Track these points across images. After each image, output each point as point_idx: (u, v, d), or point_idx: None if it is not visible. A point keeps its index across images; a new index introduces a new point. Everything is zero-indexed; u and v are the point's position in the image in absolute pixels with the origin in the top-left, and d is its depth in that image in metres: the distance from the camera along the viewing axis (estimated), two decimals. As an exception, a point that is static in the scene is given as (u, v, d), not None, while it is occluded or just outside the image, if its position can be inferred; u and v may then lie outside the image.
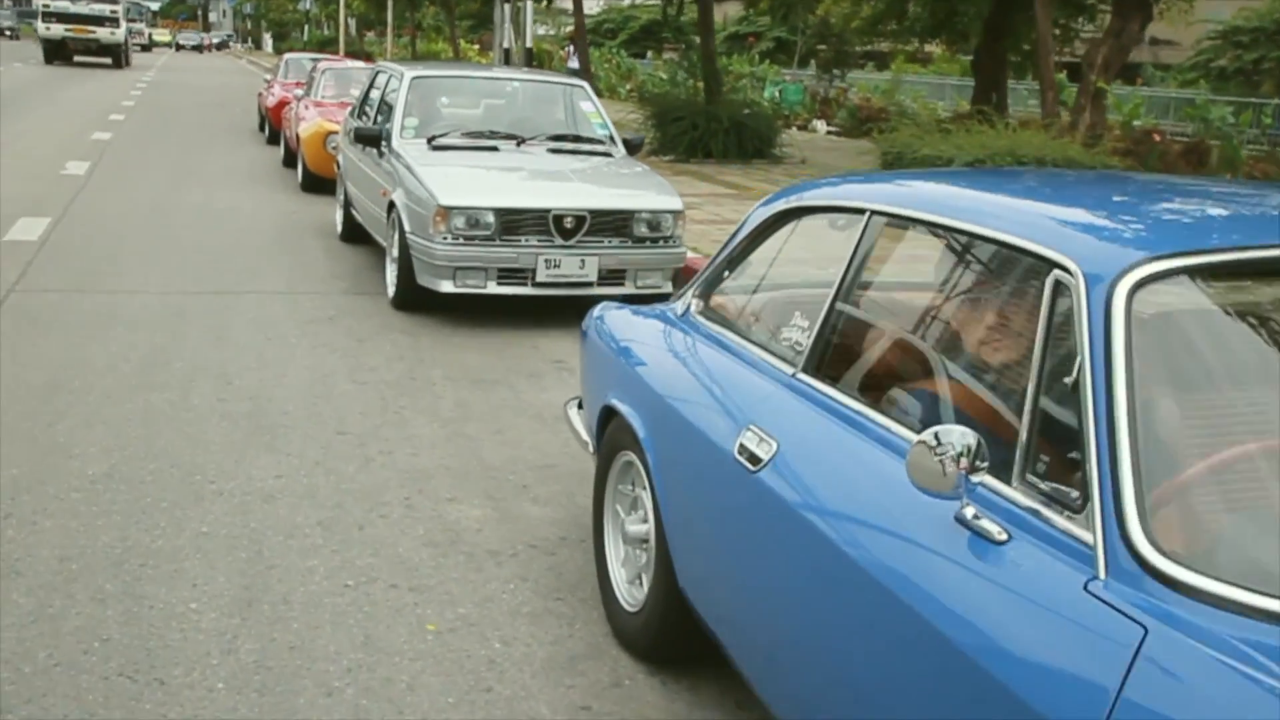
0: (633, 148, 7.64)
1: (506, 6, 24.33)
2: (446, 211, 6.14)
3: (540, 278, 6.28)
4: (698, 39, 55.82)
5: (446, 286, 6.24)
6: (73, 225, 8.73)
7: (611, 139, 7.59)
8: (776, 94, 24.23)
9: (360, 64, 14.61)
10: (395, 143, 7.07)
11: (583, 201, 6.35)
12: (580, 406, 3.60)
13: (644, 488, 2.82)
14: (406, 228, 6.43)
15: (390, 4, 34.04)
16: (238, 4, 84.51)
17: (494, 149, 7.07)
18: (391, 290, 6.73)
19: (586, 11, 38.71)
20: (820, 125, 22.13)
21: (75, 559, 3.29)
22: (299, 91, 13.86)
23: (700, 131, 14.38)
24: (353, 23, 47.30)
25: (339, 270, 7.72)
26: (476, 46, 44.32)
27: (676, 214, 6.55)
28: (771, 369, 2.33)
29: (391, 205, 6.74)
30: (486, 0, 31.72)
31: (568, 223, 6.27)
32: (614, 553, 3.05)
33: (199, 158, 13.96)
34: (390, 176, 6.94)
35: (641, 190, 6.75)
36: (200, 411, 4.67)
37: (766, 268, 2.70)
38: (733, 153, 14.45)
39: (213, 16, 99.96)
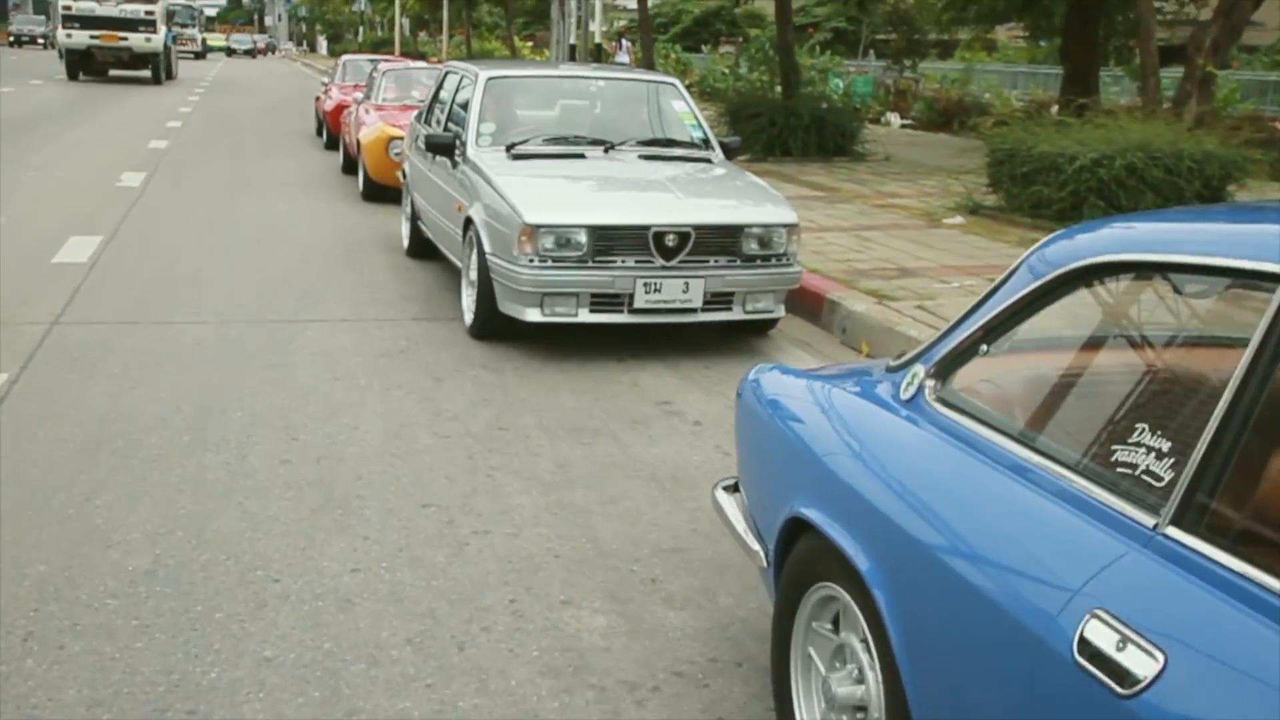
0: (731, 151, 6.87)
1: (571, 1, 23.66)
2: (533, 230, 5.42)
3: (639, 303, 5.54)
4: (753, 31, 54.92)
5: (533, 315, 5.52)
6: (124, 244, 8.14)
7: (707, 142, 6.83)
8: (840, 86, 23.30)
9: (423, 64, 13.97)
10: (470, 151, 6.37)
11: (686, 216, 5.59)
12: (734, 489, 2.85)
13: (861, 638, 2.07)
14: (486, 248, 5.72)
15: (446, 2, 33.49)
16: (292, 7, 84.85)
17: (580, 156, 6.33)
18: (469, 317, 6.03)
19: (634, 8, 38.09)
20: (894, 119, 21.17)
21: (107, 703, 2.60)
22: (358, 95, 13.25)
23: (779, 129, 13.55)
24: (406, 23, 46.92)
25: (409, 292, 7.04)
26: (530, 44, 43.74)
27: (791, 228, 5.78)
28: (1109, 513, 1.56)
29: (468, 222, 6.03)
30: (543, -4, 31.11)
31: (669, 241, 5.52)
32: (805, 714, 2.30)
33: (255, 166, 13.41)
34: (466, 189, 6.24)
35: (750, 201, 5.98)
36: (261, 478, 3.98)
37: (1057, 349, 1.92)
38: (812, 150, 13.61)
39: (268, 20, 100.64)
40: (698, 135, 6.84)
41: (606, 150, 6.45)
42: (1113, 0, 17.16)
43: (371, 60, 16.98)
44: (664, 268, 5.55)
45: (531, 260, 5.46)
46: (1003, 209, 9.40)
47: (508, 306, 5.63)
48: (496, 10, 45.20)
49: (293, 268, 7.61)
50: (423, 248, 7.87)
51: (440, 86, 7.79)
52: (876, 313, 6.12)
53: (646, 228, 5.51)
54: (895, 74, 23.76)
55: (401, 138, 10.34)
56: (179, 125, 17.96)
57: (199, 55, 54.17)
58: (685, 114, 6.89)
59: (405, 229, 8.30)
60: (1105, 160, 8.21)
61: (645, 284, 5.52)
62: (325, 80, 17.34)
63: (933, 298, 6.45)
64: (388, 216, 9.92)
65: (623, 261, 5.53)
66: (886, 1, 23.24)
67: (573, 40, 22.48)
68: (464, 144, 6.45)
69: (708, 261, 5.64)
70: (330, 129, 15.18)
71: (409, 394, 5.05)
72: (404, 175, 8.29)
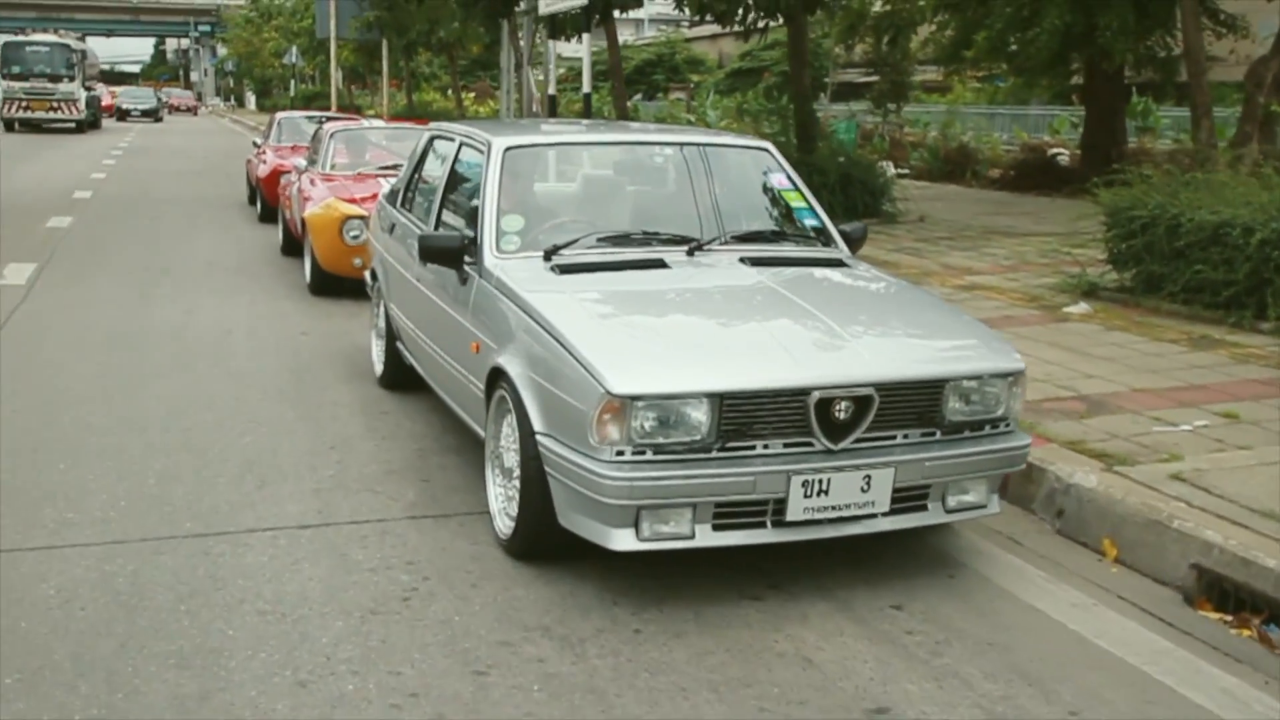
0: (855, 242, 4.81)
1: (523, 45, 21.66)
2: (624, 405, 3.29)
3: (794, 513, 3.41)
4: (694, 78, 53.70)
5: (623, 540, 3.37)
6: (-16, 384, 5.86)
7: (823, 231, 4.77)
8: (855, 135, 21.53)
9: (380, 123, 11.79)
10: (490, 260, 4.22)
11: (864, 368, 3.49)
12: None
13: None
14: (535, 424, 3.57)
15: (385, 53, 31.33)
16: (219, 61, 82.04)
17: (658, 264, 4.20)
18: (505, 525, 3.85)
19: (574, 55, 35.53)
20: (888, 168, 19.34)
21: None
22: (297, 160, 11.05)
23: (800, 189, 11.54)
24: (338, 75, 44.60)
25: (395, 459, 4.83)
26: (472, 95, 41.62)
27: (1013, 377, 3.70)
28: None
29: (497, 376, 3.88)
30: (489, 45, 29.10)
31: (841, 411, 3.42)
32: None
33: (177, 246, 11.09)
34: (487, 322, 4.10)
35: (947, 336, 3.90)
36: None
37: None
38: (839, 212, 11.61)
39: (194, 75, 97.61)
40: (810, 222, 4.77)
41: (692, 252, 4.35)
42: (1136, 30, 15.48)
43: (311, 118, 14.80)
44: (831, 453, 3.44)
45: (621, 452, 3.33)
46: (1131, 290, 7.45)
47: (577, 522, 3.48)
48: (435, 60, 43.16)
49: (222, 416, 5.36)
50: (402, 374, 5.71)
51: (422, 159, 5.65)
52: (1118, 489, 4.06)
53: (805, 391, 3.39)
54: (882, 119, 22.02)
55: (359, 217, 8.18)
56: (88, 196, 15.55)
57: (82, 124, 33.11)
58: (790, 193, 4.81)
59: (377, 350, 6.10)
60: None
61: (805, 482, 3.40)
62: (258, 141, 15.07)
63: (1177, 456, 4.39)
64: (346, 320, 7.71)
65: (766, 447, 3.41)
66: (863, 44, 21.55)
67: (531, 86, 20.42)
68: (479, 249, 4.30)
69: (895, 438, 3.55)
70: (265, 198, 12.94)
71: (433, 703, 2.87)
72: (373, 278, 6.11)
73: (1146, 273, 7.32)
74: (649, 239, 4.42)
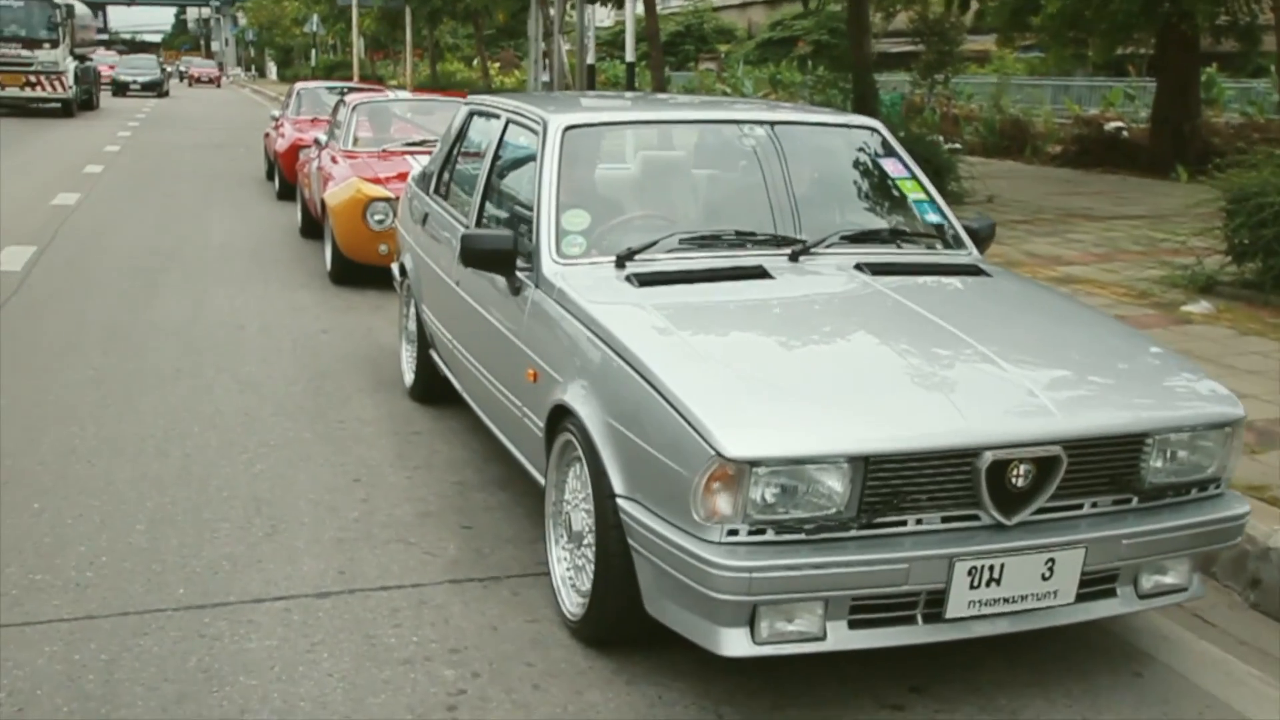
0: (983, 239, 3.99)
1: (553, 10, 20.77)
2: (739, 471, 2.51)
3: (956, 608, 2.62)
4: (723, 48, 52.52)
5: (736, 644, 2.57)
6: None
7: (944, 229, 3.94)
8: (900, 106, 20.53)
9: (406, 95, 10.97)
10: (549, 268, 3.43)
11: (1048, 420, 2.66)
12: None
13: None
14: (617, 487, 2.79)
15: (409, 21, 30.44)
16: (239, 31, 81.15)
17: (758, 273, 3.40)
18: (573, 603, 3.07)
19: (602, 24, 34.24)
20: (939, 141, 18.36)
21: None
22: (318, 133, 10.26)
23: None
24: (360, 44, 43.67)
25: (429, 496, 4.05)
26: (497, 65, 40.65)
27: (1231, 428, 2.89)
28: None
29: (560, 415, 3.11)
30: (517, 11, 28.17)
31: (1018, 476, 2.62)
32: None
33: (189, 227, 10.34)
34: (548, 343, 3.31)
35: (1146, 375, 3.07)
36: None
37: None
38: (900, 192, 10.76)
39: (214, 45, 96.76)
40: (932, 218, 3.94)
41: (795, 256, 3.54)
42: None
43: (333, 89, 13.99)
44: (1003, 530, 2.65)
45: (734, 532, 2.54)
46: (1257, 286, 6.59)
47: (672, 614, 2.69)
48: (459, 30, 42.24)
49: (228, 438, 4.58)
50: (436, 385, 4.94)
51: (459, 138, 4.85)
52: (1334, 559, 3.25)
53: (974, 452, 2.59)
54: (928, 91, 20.96)
55: (384, 199, 7.39)
56: (99, 170, 14.82)
57: (69, 105, 25.60)
58: (907, 181, 3.98)
59: (406, 357, 5.34)
60: None
61: (972, 569, 2.61)
62: (275, 113, 14.29)
63: (1393, 510, 3.59)
64: (370, 314, 6.95)
65: (920, 523, 2.62)
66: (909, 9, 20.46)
67: (562, 56, 19.53)
68: (535, 252, 3.51)
69: (1081, 507, 2.75)
70: (284, 174, 12.17)
71: None
72: (402, 273, 5.32)
73: (1271, 265, 6.45)
74: (742, 240, 3.60)
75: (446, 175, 4.86)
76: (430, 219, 4.82)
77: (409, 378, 5.27)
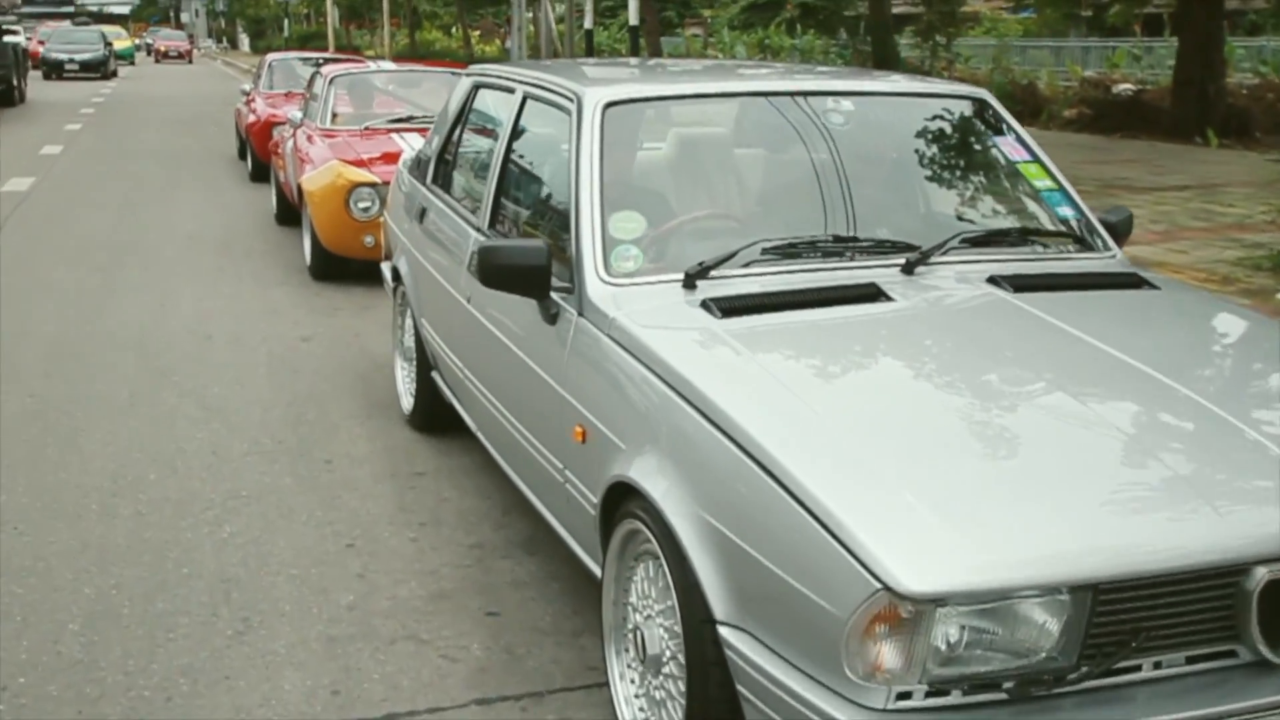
0: (1121, 234, 3.18)
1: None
2: (919, 613, 1.73)
3: (1211, 788, 1.88)
4: (707, 13, 51.34)
5: None
6: None
7: (1084, 222, 3.15)
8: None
9: (389, 65, 10.05)
10: (598, 289, 2.60)
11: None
12: None
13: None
14: (718, 611, 1.97)
15: (384, -12, 29.32)
16: (209, 3, 79.14)
17: (872, 294, 2.60)
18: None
19: None
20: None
21: None
22: (291, 109, 9.38)
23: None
24: (334, 13, 42.34)
25: (441, 568, 3.24)
26: (477, 34, 39.42)
27: None
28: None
29: (626, 494, 2.32)
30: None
31: (1299, 600, 1.86)
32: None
33: (154, 212, 9.45)
34: (602, 393, 2.49)
35: None
36: None
37: None
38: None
39: (184, 16, 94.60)
40: (1065, 211, 3.14)
41: (910, 267, 2.74)
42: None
43: (307, 60, 13.04)
44: (1273, 671, 1.89)
45: (906, 695, 1.77)
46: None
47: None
48: (437, -1, 41.03)
49: (191, 489, 3.76)
50: (440, 409, 4.13)
51: (462, 117, 4.02)
52: None
53: (1242, 569, 1.83)
54: (930, 54, 20.08)
55: (369, 184, 6.55)
56: (58, 151, 13.85)
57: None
58: (1029, 165, 3.18)
59: (403, 377, 4.51)
60: None
61: (1237, 735, 1.85)
62: (246, 87, 13.34)
63: None
64: (357, 316, 6.12)
65: (1159, 666, 1.85)
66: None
67: (550, 22, 18.57)
68: (577, 268, 2.71)
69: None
70: (256, 153, 11.27)
71: None
72: (395, 277, 4.49)
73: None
74: (841, 247, 2.81)
75: (447, 162, 4.03)
76: (430, 215, 3.99)
77: (406, 402, 4.45)
